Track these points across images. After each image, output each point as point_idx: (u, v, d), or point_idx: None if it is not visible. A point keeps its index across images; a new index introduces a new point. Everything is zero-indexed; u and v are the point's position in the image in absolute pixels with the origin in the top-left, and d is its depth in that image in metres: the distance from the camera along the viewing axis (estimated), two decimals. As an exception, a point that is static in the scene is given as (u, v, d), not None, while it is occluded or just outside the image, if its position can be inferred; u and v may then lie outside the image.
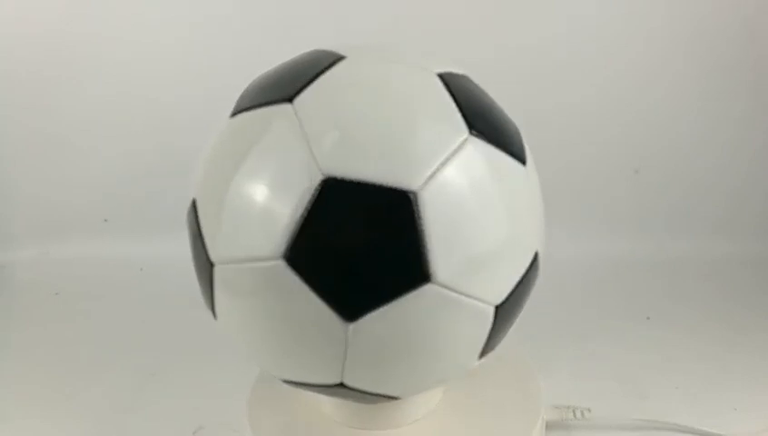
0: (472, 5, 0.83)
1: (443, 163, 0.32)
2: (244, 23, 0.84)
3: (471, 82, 0.38)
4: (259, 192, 0.32)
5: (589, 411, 0.52)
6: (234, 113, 0.37)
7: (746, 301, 0.74)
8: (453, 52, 0.40)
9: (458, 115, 0.34)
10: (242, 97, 0.38)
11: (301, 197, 0.31)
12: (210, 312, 0.39)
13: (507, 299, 0.36)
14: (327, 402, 0.45)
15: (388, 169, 0.31)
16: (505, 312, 0.36)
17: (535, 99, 0.80)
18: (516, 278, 0.36)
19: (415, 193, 0.31)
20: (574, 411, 0.51)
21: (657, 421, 0.52)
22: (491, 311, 0.35)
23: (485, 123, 0.35)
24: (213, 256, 0.35)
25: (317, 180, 0.31)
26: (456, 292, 0.33)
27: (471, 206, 0.33)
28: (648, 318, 0.70)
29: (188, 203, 0.39)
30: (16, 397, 0.60)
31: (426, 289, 0.32)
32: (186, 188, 0.40)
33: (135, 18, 0.85)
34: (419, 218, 0.31)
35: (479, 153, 0.34)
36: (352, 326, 0.32)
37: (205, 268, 0.36)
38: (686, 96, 0.85)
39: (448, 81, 0.36)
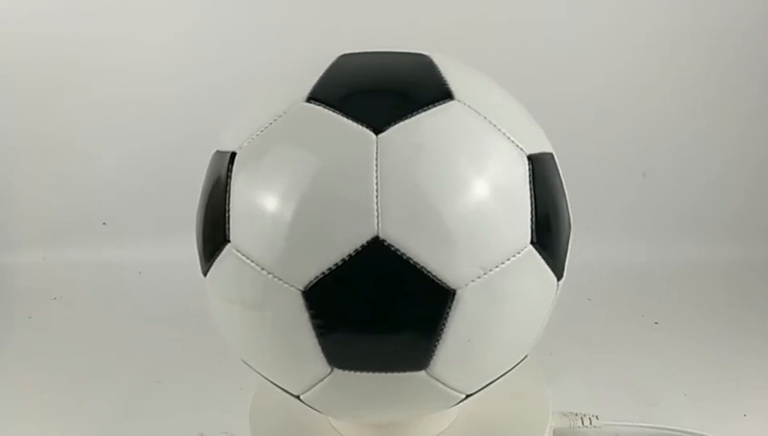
0: (473, 7, 0.82)
1: None
2: (246, 26, 0.84)
3: None
4: (485, 191, 0.32)
5: (597, 418, 0.51)
6: (382, 129, 0.31)
7: (755, 306, 0.73)
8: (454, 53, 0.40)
9: None
10: (358, 112, 0.32)
11: (524, 179, 0.33)
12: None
13: None
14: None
15: (542, 140, 0.37)
16: None
17: (540, 101, 0.79)
18: None
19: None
20: (582, 419, 0.51)
21: (666, 428, 0.52)
22: None
23: None
24: (454, 282, 0.30)
25: (526, 161, 0.33)
26: None
27: None
28: (656, 323, 0.70)
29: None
30: (15, 403, 0.60)
31: None
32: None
33: (136, 22, 0.84)
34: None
35: None
36: (560, 283, 0.37)
37: (437, 300, 0.31)
38: (695, 99, 0.85)
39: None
